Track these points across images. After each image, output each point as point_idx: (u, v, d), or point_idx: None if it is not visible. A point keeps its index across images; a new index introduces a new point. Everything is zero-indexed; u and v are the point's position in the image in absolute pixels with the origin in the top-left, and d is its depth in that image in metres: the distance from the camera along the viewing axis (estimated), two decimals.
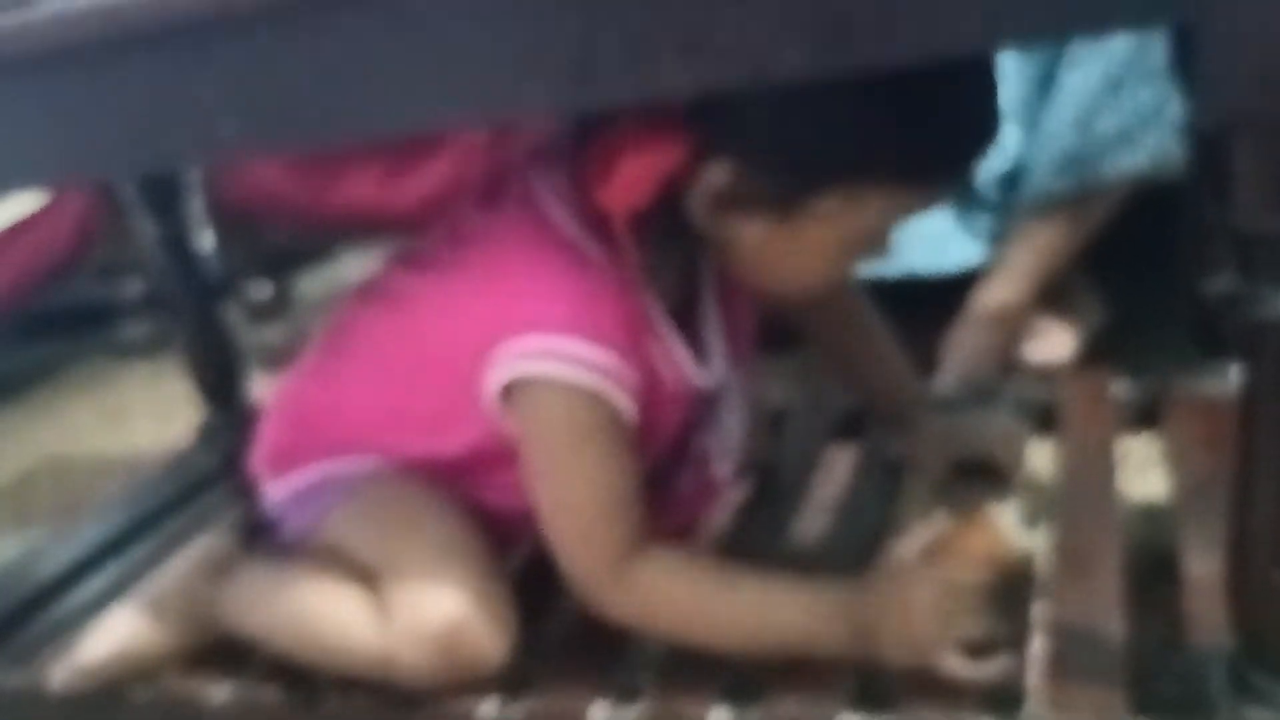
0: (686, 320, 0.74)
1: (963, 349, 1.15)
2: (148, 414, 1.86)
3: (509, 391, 0.68)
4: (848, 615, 0.66)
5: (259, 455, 0.83)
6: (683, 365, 0.73)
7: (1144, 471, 1.06)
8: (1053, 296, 1.18)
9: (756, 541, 0.83)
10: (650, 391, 0.70)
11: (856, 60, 0.51)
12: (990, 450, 0.85)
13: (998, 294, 1.15)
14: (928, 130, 0.62)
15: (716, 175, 0.65)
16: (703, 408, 0.76)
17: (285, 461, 0.80)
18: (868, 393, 0.92)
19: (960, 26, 0.49)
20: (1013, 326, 1.16)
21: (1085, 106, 1.09)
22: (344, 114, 0.60)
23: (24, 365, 2.24)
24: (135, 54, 0.58)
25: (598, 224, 0.68)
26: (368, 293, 0.79)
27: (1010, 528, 0.67)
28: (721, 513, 0.84)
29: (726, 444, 0.79)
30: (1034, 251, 1.14)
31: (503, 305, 0.69)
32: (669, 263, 0.72)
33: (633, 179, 0.64)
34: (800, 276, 0.71)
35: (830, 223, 0.65)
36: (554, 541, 0.70)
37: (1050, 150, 1.12)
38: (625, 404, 0.68)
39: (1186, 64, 0.53)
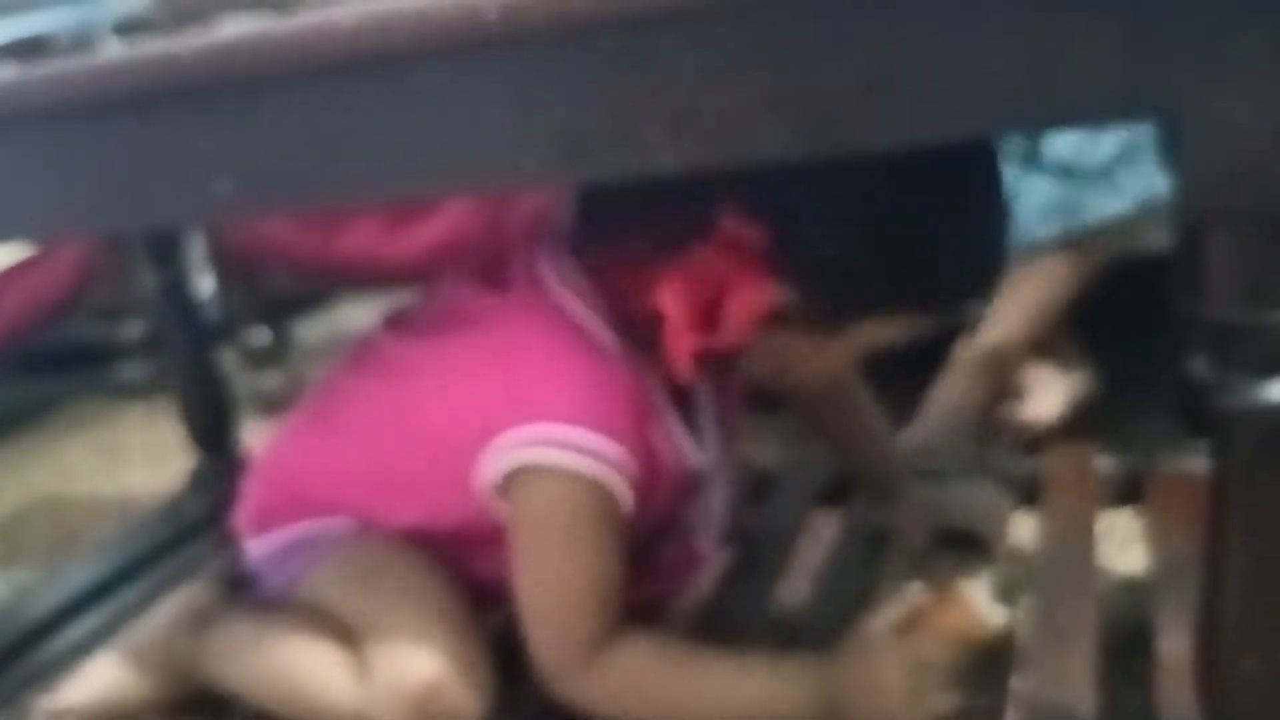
0: (682, 400, 0.74)
1: (946, 399, 1.15)
2: (142, 455, 1.86)
3: (509, 476, 0.68)
4: (816, 691, 0.66)
5: (242, 513, 0.84)
6: (681, 448, 0.73)
7: (1125, 547, 1.07)
8: (1042, 356, 1.18)
9: (739, 608, 0.83)
10: (648, 473, 0.70)
11: (838, 143, 0.52)
12: (974, 522, 0.86)
13: (983, 344, 1.15)
14: (964, 267, 0.65)
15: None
16: (692, 485, 0.77)
17: (267, 520, 0.81)
18: (852, 464, 0.92)
19: (943, 115, 0.51)
20: (998, 378, 1.16)
21: (1068, 153, 1.10)
22: (339, 180, 0.61)
23: (21, 402, 2.24)
24: (133, 112, 0.59)
25: (606, 310, 0.69)
26: (358, 357, 0.80)
27: (983, 604, 0.68)
28: (704, 580, 0.84)
29: (711, 518, 0.80)
30: (1020, 303, 1.14)
31: (509, 389, 0.68)
32: None
33: (738, 325, 0.64)
34: (812, 376, 0.74)
35: (855, 339, 0.68)
36: (529, 624, 0.70)
37: (1035, 198, 1.12)
38: (624, 493, 0.68)
39: (1169, 153, 0.55)
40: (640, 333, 0.68)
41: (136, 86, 0.58)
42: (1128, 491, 0.93)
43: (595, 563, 0.68)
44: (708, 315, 0.64)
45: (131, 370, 2.15)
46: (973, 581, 0.70)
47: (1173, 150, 0.49)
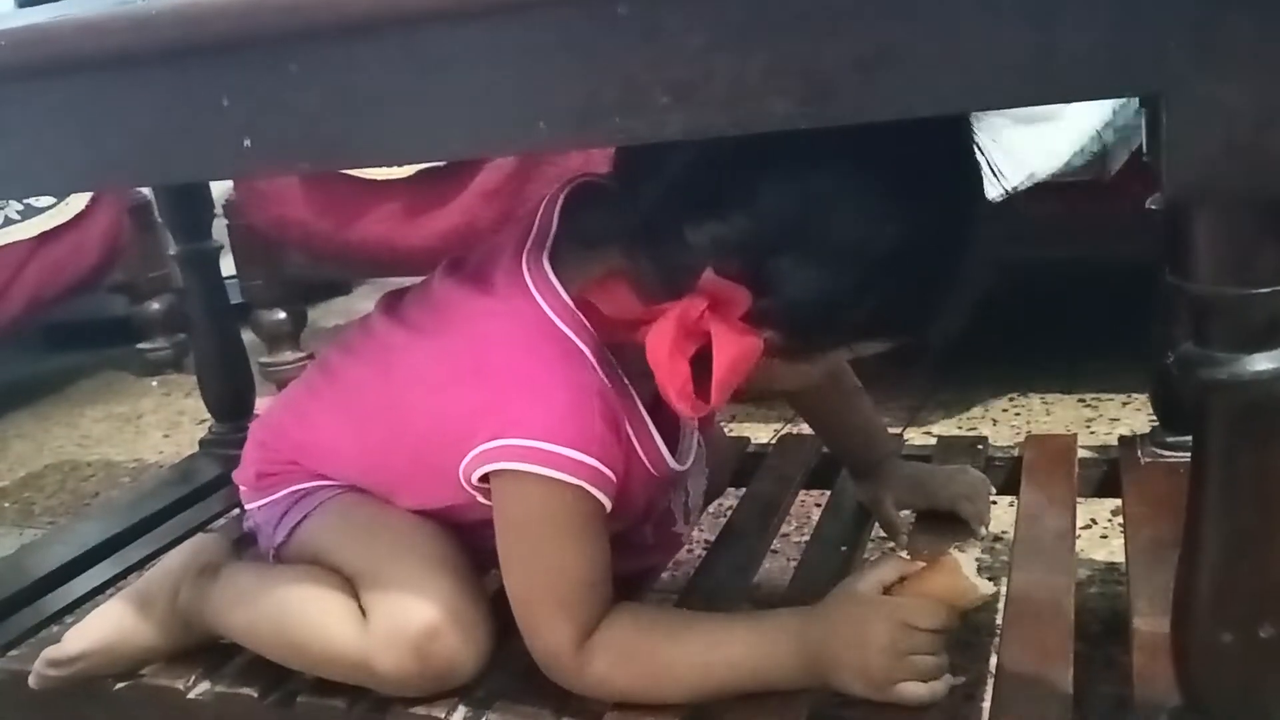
0: (659, 403, 0.73)
1: None
2: (159, 427, 1.89)
3: (489, 476, 0.69)
4: (800, 646, 0.67)
5: (241, 474, 0.87)
6: (660, 451, 0.74)
7: (1106, 535, 1.09)
8: None
9: (721, 583, 0.85)
10: (627, 477, 0.71)
11: (838, 115, 0.54)
12: (956, 501, 0.88)
13: None
14: (939, 302, 0.66)
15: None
16: (671, 480, 0.78)
17: (265, 483, 0.84)
18: (841, 451, 0.94)
19: (939, 90, 0.52)
20: None
21: None
22: (358, 140, 0.62)
23: (44, 373, 2.29)
24: (164, 65, 0.61)
25: (588, 323, 0.69)
26: (356, 339, 0.82)
27: (971, 571, 0.69)
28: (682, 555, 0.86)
29: (689, 506, 0.82)
30: None
31: (491, 400, 0.69)
32: None
33: (725, 382, 0.63)
34: (788, 386, 0.78)
35: (830, 359, 0.71)
36: (520, 619, 0.71)
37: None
38: (604, 499, 0.69)
39: (1157, 131, 0.56)
40: (621, 349, 0.69)
41: (168, 39, 0.60)
42: (1108, 480, 0.94)
43: (577, 557, 0.69)
44: (695, 367, 0.64)
45: (152, 347, 2.19)
46: (961, 551, 0.71)
47: (1161, 129, 0.50)
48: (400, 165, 1.56)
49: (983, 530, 0.87)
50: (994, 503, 0.90)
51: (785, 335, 0.65)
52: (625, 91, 0.56)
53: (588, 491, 0.67)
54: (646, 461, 0.73)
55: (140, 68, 0.62)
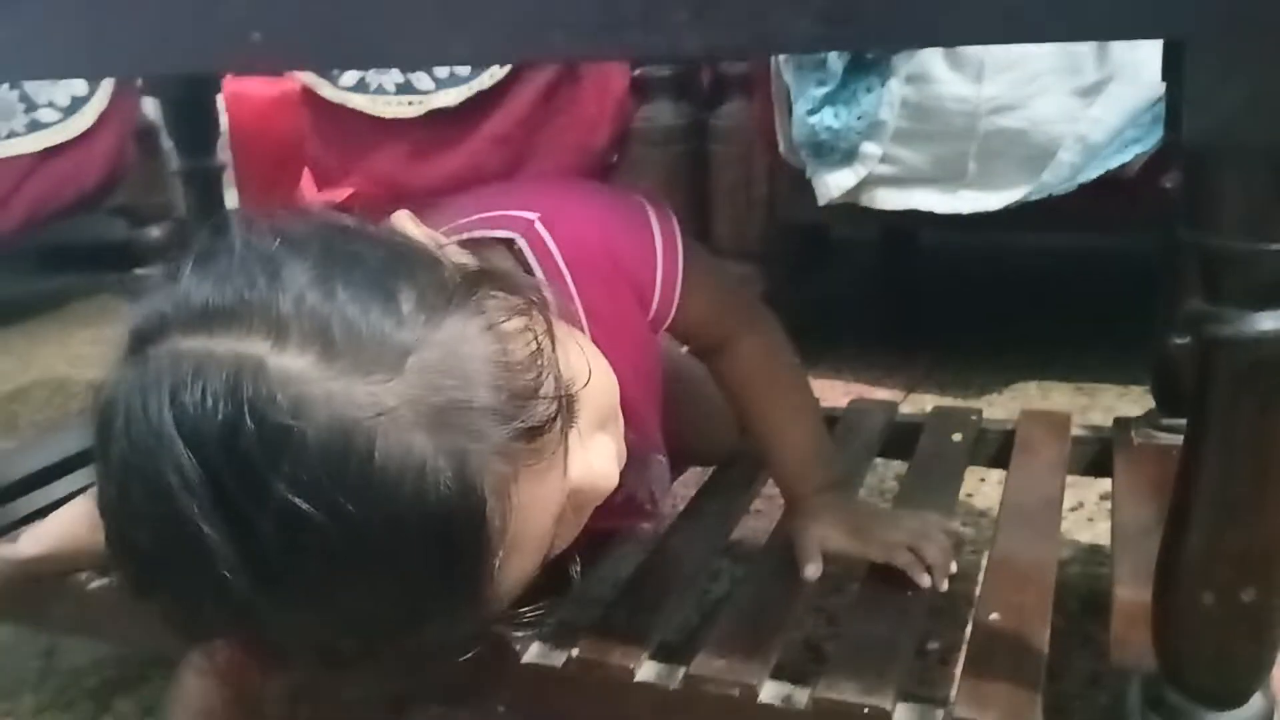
0: None
1: None
2: None
3: None
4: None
5: None
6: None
7: (1093, 519, 1.09)
8: None
9: (692, 542, 0.83)
10: None
11: (858, 38, 0.53)
12: (893, 551, 0.75)
13: None
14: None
15: None
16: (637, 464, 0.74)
17: None
18: (774, 478, 0.84)
19: (964, 21, 0.51)
20: None
21: None
22: (368, 42, 0.61)
23: (37, 294, 2.28)
24: None
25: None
26: None
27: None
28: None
29: (654, 485, 0.79)
30: None
31: None
32: None
33: None
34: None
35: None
36: None
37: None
38: None
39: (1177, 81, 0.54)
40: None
41: None
42: (1099, 460, 0.94)
43: None
44: None
45: (150, 274, 2.17)
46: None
47: (1184, 77, 0.49)
48: (411, 70, 1.55)
49: (926, 581, 0.72)
50: (960, 542, 0.78)
51: None
52: (645, 5, 0.55)
53: None
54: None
55: None
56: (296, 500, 0.45)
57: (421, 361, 0.48)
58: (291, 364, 0.47)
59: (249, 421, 0.45)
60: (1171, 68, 0.77)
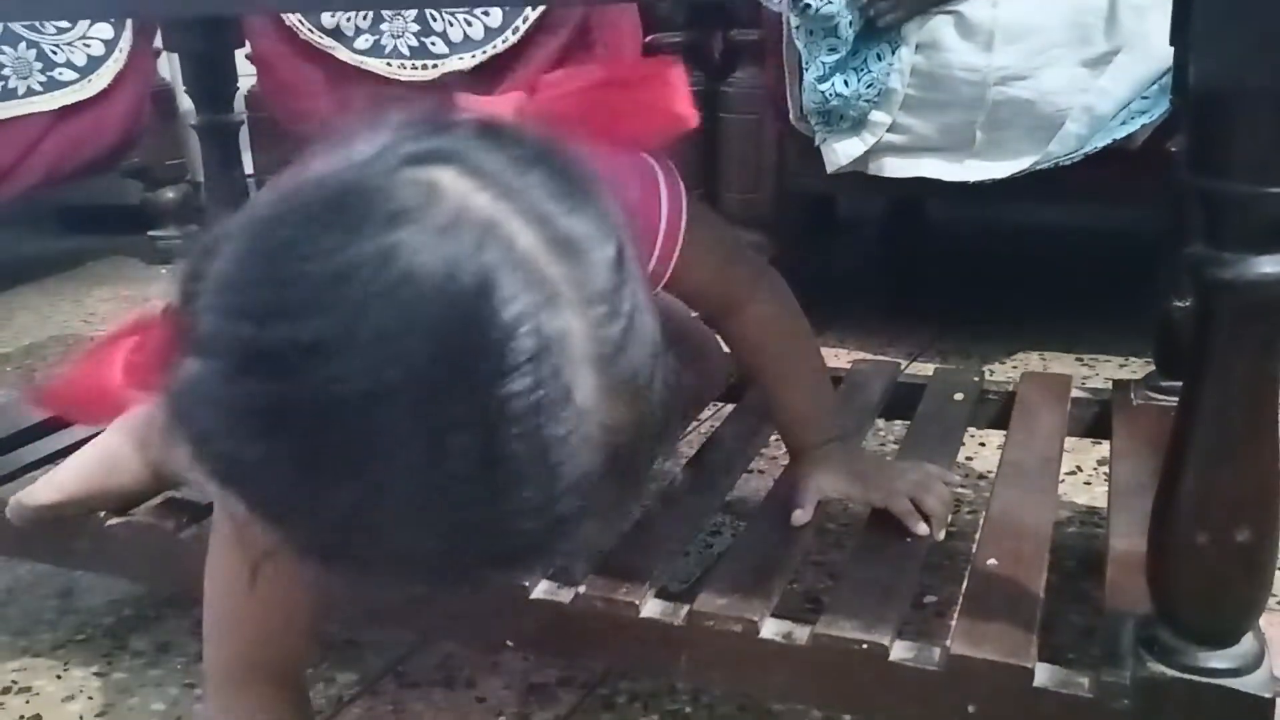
0: None
1: None
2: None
3: None
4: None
5: None
6: None
7: (1090, 482, 1.10)
8: None
9: (694, 494, 0.84)
10: None
11: None
12: (893, 498, 0.77)
13: None
14: None
15: None
16: None
17: None
18: (779, 428, 0.87)
19: None
20: None
21: None
22: None
23: (54, 254, 2.30)
24: None
25: None
26: None
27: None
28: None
29: None
30: None
31: None
32: None
33: None
34: None
35: None
36: None
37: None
38: None
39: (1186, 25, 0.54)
40: None
41: None
42: (1099, 422, 0.95)
43: None
44: None
45: (164, 235, 2.20)
46: None
47: (1193, 19, 0.50)
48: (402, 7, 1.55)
49: (923, 530, 0.74)
50: (956, 508, 0.81)
51: None
52: None
53: None
54: None
55: None
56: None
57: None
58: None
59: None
60: (1179, 27, 0.78)
